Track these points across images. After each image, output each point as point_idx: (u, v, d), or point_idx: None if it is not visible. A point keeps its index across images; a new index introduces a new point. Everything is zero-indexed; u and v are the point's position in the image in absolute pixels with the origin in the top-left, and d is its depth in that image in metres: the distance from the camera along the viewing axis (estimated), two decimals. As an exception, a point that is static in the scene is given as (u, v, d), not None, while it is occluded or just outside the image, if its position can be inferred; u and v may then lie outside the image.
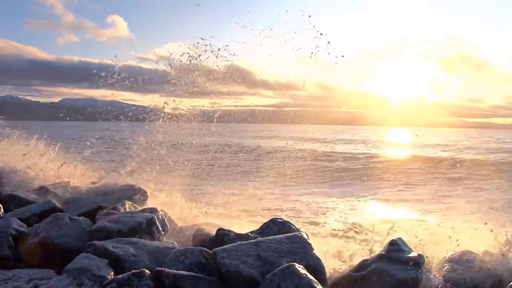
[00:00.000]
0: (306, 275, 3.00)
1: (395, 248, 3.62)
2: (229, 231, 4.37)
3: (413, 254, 3.57)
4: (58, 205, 5.26)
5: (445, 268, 3.47)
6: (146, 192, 6.00)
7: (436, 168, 18.20)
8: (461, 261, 3.56)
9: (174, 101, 8.26)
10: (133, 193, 5.82)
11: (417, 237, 4.25)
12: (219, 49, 7.97)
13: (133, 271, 3.19)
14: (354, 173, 18.28)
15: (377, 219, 8.06)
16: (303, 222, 7.36)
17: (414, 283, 3.37)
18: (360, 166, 20.64)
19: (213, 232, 4.45)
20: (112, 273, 3.31)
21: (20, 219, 4.59)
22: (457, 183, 13.67)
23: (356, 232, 6.64)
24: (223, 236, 4.23)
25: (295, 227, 4.55)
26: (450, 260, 3.58)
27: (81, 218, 4.56)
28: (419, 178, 15.66)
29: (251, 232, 4.54)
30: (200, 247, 3.73)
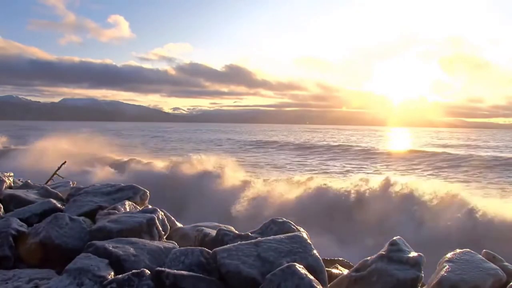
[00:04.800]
0: (306, 275, 3.01)
1: (395, 248, 3.62)
2: (229, 231, 4.37)
3: (414, 254, 3.57)
4: (58, 205, 5.27)
5: (445, 268, 3.46)
6: (146, 192, 6.00)
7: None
8: (461, 261, 3.55)
9: None
10: (133, 193, 5.82)
11: None
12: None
13: (133, 271, 3.20)
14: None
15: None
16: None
17: (414, 283, 3.37)
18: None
19: (213, 232, 4.46)
20: (112, 273, 3.32)
21: (20, 219, 4.60)
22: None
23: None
24: (223, 236, 4.23)
25: (295, 227, 4.55)
26: (450, 260, 3.57)
27: (81, 218, 4.57)
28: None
29: (251, 232, 4.55)
30: (200, 247, 3.73)
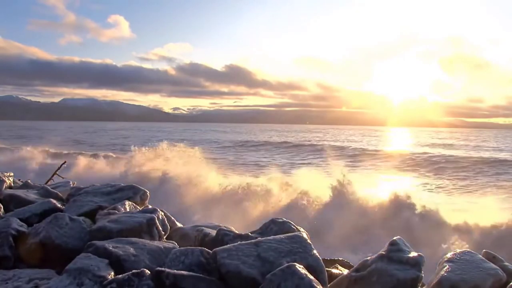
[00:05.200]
0: (306, 275, 3.01)
1: (395, 248, 3.62)
2: (229, 231, 4.38)
3: (414, 254, 3.57)
4: (58, 205, 5.27)
5: (445, 268, 3.46)
6: (146, 192, 6.00)
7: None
8: (461, 261, 3.56)
9: None
10: (133, 193, 5.82)
11: None
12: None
13: (133, 271, 3.20)
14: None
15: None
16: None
17: (415, 283, 3.37)
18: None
19: (213, 232, 4.46)
20: (112, 273, 3.32)
21: (20, 219, 4.60)
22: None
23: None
24: (223, 236, 4.23)
25: (295, 227, 4.56)
26: (450, 260, 3.58)
27: (81, 218, 4.57)
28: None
29: (251, 232, 4.55)
30: (200, 247, 3.73)
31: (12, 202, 5.52)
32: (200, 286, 3.16)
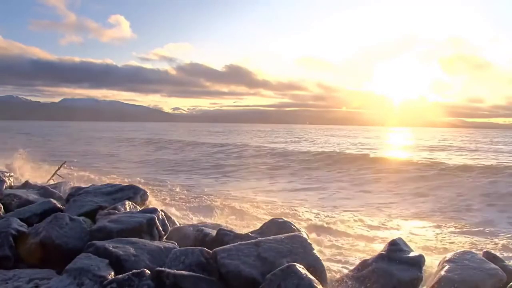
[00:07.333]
0: (306, 275, 3.01)
1: (396, 248, 3.63)
2: (230, 231, 4.38)
3: (414, 254, 3.58)
4: (59, 205, 5.27)
5: (445, 268, 3.46)
6: (146, 192, 6.00)
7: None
8: (461, 261, 3.56)
9: None
10: (133, 193, 5.82)
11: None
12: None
13: (134, 271, 3.20)
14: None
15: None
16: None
17: (414, 283, 3.38)
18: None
19: (214, 232, 4.46)
20: (113, 273, 3.32)
21: (21, 219, 4.60)
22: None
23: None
24: (223, 236, 4.23)
25: (295, 227, 4.56)
26: (450, 260, 3.58)
27: (81, 218, 4.57)
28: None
29: (251, 232, 4.55)
30: (200, 247, 3.74)
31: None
32: (200, 286, 3.17)
